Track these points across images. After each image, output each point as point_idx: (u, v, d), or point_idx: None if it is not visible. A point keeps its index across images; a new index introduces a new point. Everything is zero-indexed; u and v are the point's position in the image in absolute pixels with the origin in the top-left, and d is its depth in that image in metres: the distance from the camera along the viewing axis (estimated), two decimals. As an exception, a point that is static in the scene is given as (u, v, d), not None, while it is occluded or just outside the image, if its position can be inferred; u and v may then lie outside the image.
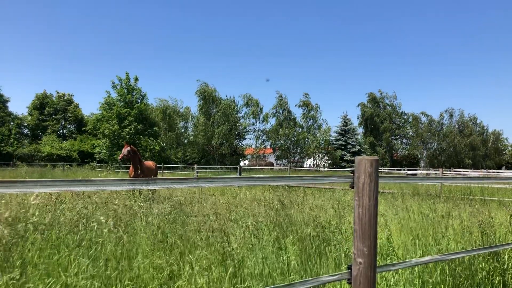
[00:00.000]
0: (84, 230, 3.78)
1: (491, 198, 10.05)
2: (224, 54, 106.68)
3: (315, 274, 3.49)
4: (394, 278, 3.57)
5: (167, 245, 3.86)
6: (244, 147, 55.07)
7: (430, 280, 3.52)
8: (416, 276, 3.58)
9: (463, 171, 37.57)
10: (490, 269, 3.73)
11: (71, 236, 3.73)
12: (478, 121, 64.37)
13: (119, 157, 10.11)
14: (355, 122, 61.23)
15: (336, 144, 55.55)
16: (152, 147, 40.45)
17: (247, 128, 53.27)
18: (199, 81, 50.41)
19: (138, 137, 39.41)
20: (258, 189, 11.11)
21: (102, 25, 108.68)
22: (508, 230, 4.74)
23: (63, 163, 37.01)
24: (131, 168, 9.92)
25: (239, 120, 52.47)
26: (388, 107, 61.50)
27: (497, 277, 3.69)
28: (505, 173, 36.25)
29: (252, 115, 51.72)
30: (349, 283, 2.38)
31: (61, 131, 56.40)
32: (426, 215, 5.60)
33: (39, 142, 49.49)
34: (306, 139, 51.50)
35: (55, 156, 44.83)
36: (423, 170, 46.76)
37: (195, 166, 22.05)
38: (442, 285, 3.48)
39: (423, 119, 62.00)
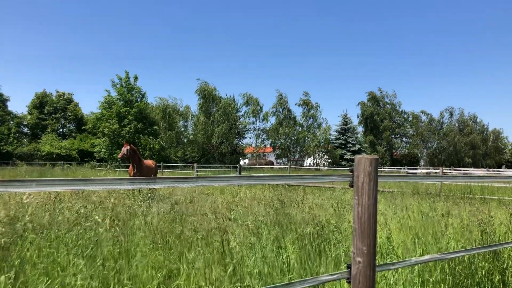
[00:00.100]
0: (83, 230, 3.77)
1: (491, 197, 10.05)
2: (224, 53, 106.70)
3: (314, 273, 3.48)
4: (394, 277, 3.56)
5: (166, 244, 3.86)
6: (244, 146, 55.10)
7: (430, 279, 3.51)
8: (416, 275, 3.57)
9: (463, 170, 37.60)
10: (490, 268, 3.73)
11: (70, 235, 3.73)
12: (478, 120, 64.52)
13: (119, 156, 10.10)
14: (355, 121, 61.33)
15: (336, 143, 55.54)
16: (151, 146, 40.46)
17: (247, 127, 53.33)
18: (199, 80, 50.46)
19: (137, 136, 39.42)
20: (258, 188, 11.10)
21: (102, 24, 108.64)
22: (508, 229, 4.75)
23: (62, 162, 36.99)
24: (130, 167, 9.91)
25: (239, 119, 52.48)
26: (388, 105, 61.51)
27: (497, 276, 3.69)
28: (505, 171, 36.27)
29: (252, 114, 51.75)
30: (349, 282, 2.37)
31: (61, 130, 56.36)
32: (426, 214, 5.60)
33: (39, 141, 49.47)
34: (306, 138, 51.51)
35: (54, 155, 44.81)
36: (423, 169, 46.79)
37: (195, 165, 22.06)
38: (442, 284, 3.48)
39: (423, 117, 62.12)
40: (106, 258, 3.25)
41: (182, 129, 53.24)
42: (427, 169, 45.45)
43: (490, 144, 63.90)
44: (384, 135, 59.87)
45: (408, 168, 41.56)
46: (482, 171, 35.42)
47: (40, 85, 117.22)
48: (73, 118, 56.22)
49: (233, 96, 52.69)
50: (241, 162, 56.69)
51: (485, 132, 64.51)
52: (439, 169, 15.24)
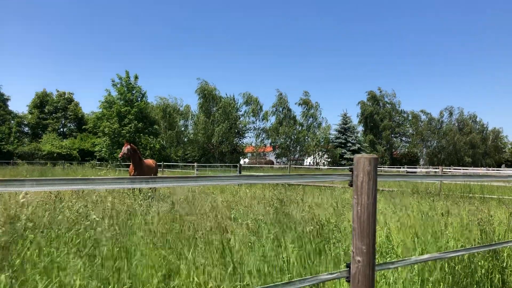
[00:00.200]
0: (84, 229, 3.78)
1: (490, 196, 10.06)
2: (224, 53, 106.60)
3: (314, 272, 3.49)
4: (393, 276, 3.57)
5: (166, 243, 3.87)
6: (244, 145, 55.09)
7: (430, 278, 3.52)
8: (416, 274, 3.58)
9: (463, 169, 37.58)
10: (490, 267, 3.73)
11: (69, 235, 3.73)
12: (477, 119, 64.48)
13: (119, 156, 10.10)
14: (355, 120, 61.26)
15: (336, 142, 55.52)
16: (152, 145, 40.47)
17: (247, 126, 53.31)
18: (199, 79, 50.43)
19: (138, 136, 39.43)
20: (258, 187, 11.11)
21: (102, 23, 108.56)
22: (508, 228, 4.75)
23: (63, 161, 37.02)
24: (131, 166, 9.92)
25: (239, 118, 52.47)
26: (387, 105, 61.47)
27: (497, 275, 3.70)
28: (505, 171, 36.26)
29: (252, 113, 51.73)
30: (348, 281, 2.38)
31: (62, 129, 56.37)
32: (426, 213, 5.60)
33: (40, 140, 49.48)
34: (306, 137, 51.50)
35: (55, 155, 44.83)
36: (422, 168, 46.78)
37: (195, 164, 22.07)
38: (441, 283, 3.49)
39: (423, 117, 62.10)
40: (105, 258, 3.26)
41: (182, 129, 53.24)
42: (427, 168, 45.43)
43: (489, 143, 63.89)
44: (383, 134, 59.84)
45: (407, 167, 41.57)
46: (481, 170, 35.41)
47: (41, 85, 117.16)
48: (73, 117, 56.22)
49: (233, 96, 52.74)
50: (241, 162, 56.69)
51: (484, 132, 64.49)
52: (438, 168, 15.25)
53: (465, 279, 3.56)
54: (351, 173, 2.40)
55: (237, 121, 51.59)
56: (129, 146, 9.66)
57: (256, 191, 9.72)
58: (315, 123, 52.55)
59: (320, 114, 52.92)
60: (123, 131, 38.37)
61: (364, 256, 2.29)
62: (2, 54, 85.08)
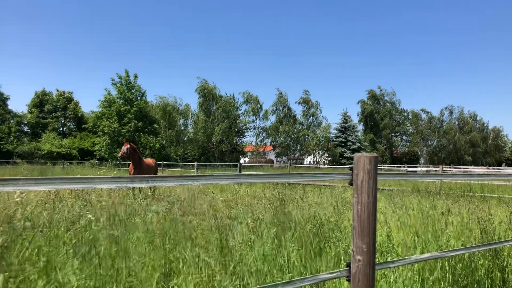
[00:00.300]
0: (83, 228, 3.77)
1: (491, 195, 10.05)
2: (224, 52, 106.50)
3: (314, 271, 3.49)
4: (394, 275, 3.57)
5: (165, 243, 3.86)
6: (244, 144, 55.08)
7: (430, 277, 3.51)
8: (416, 273, 3.58)
9: (463, 168, 37.59)
10: (490, 266, 3.73)
11: (67, 235, 3.73)
12: (478, 118, 64.48)
13: (119, 155, 10.10)
14: (355, 119, 61.23)
15: (336, 141, 55.51)
16: (152, 144, 40.46)
17: (247, 126, 53.28)
18: (199, 78, 50.41)
19: (138, 135, 39.43)
20: (258, 186, 11.11)
21: (102, 23, 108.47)
22: (508, 227, 4.74)
23: (63, 160, 37.03)
24: (131, 165, 9.92)
25: (239, 117, 52.45)
26: (388, 104, 61.44)
27: (497, 274, 3.69)
28: (505, 169, 36.26)
29: (252, 112, 51.73)
30: (348, 280, 2.37)
31: (61, 128, 56.37)
32: (426, 212, 5.60)
33: (39, 140, 49.49)
34: (306, 136, 51.50)
35: (55, 154, 44.84)
36: (423, 167, 46.79)
37: (195, 163, 22.06)
38: (442, 282, 3.48)
39: (423, 116, 62.10)
40: (102, 257, 3.24)
41: (182, 128, 53.23)
42: (427, 167, 45.45)
43: (490, 142, 63.89)
44: (384, 133, 59.83)
45: (408, 166, 41.55)
46: (482, 169, 35.42)
47: (40, 85, 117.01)
48: (73, 116, 56.21)
49: (233, 95, 52.70)
50: (241, 161, 56.69)
51: (485, 130, 64.47)
52: (439, 167, 15.25)
53: (465, 278, 3.55)
54: (351, 172, 2.39)
55: (237, 120, 51.57)
56: (128, 145, 9.65)
57: (256, 191, 9.71)
58: (315, 122, 52.58)
59: (320, 113, 52.95)
60: (122, 130, 38.38)
61: (364, 255, 2.28)
62: (2, 54, 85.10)
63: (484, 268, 3.70)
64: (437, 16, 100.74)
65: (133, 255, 3.37)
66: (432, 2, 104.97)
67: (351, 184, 2.38)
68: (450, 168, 35.29)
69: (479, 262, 3.74)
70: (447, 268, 3.58)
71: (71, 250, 3.32)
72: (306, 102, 52.55)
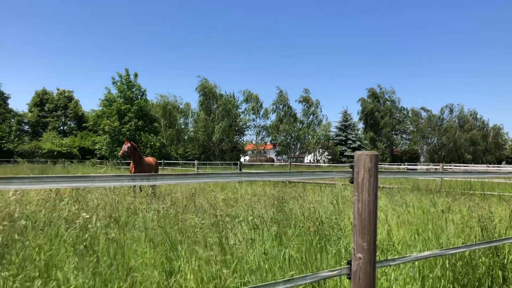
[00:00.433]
0: (83, 227, 3.77)
1: (491, 193, 10.05)
2: (224, 52, 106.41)
3: (315, 269, 3.49)
4: (394, 272, 3.57)
5: (166, 241, 3.86)
6: (244, 143, 55.07)
7: (430, 275, 3.52)
8: (416, 271, 3.58)
9: (464, 166, 37.56)
10: (491, 263, 3.73)
11: (68, 233, 3.73)
12: (478, 116, 64.40)
13: (120, 154, 10.10)
14: (355, 117, 61.25)
15: (336, 139, 55.49)
16: (152, 143, 40.42)
17: (247, 124, 53.26)
18: (200, 77, 50.47)
19: (138, 134, 39.39)
20: (259, 184, 11.11)
21: (102, 22, 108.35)
22: (509, 225, 4.74)
23: (63, 159, 37.04)
24: (131, 164, 9.92)
25: (239, 116, 52.43)
26: (388, 102, 61.38)
27: (498, 272, 3.69)
28: (505, 167, 36.24)
29: (252, 111, 51.74)
30: (349, 278, 2.38)
31: (62, 127, 56.34)
32: (427, 210, 5.60)
33: (40, 138, 49.47)
34: (307, 135, 51.48)
35: (55, 153, 44.83)
36: (423, 165, 46.75)
37: (196, 162, 22.07)
38: (442, 280, 3.48)
39: (423, 114, 62.03)
40: (101, 255, 3.24)
41: (183, 127, 53.19)
42: (427, 165, 45.41)
43: (490, 140, 63.80)
44: (384, 131, 59.79)
45: (408, 165, 41.53)
46: (482, 167, 35.41)
47: (41, 84, 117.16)
48: (73, 115, 56.16)
49: (233, 93, 52.68)
50: (242, 159, 56.69)
51: (485, 128, 64.38)
52: (439, 165, 15.24)
53: (466, 276, 3.55)
54: (351, 170, 2.39)
55: (237, 119, 51.56)
56: (129, 144, 9.65)
57: (256, 189, 9.72)
58: (315, 121, 52.54)
59: (321, 111, 52.92)
60: (123, 129, 38.33)
61: (365, 253, 2.28)
62: (2, 53, 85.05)
63: (485, 266, 3.70)
64: (437, 15, 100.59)
65: (133, 254, 3.38)
66: (433, 1, 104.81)
67: (352, 182, 2.38)
68: (450, 166, 35.25)
69: (480, 260, 3.74)
70: (447, 265, 3.58)
71: (71, 249, 3.32)
72: (306, 100, 52.50)
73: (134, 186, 7.62)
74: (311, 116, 52.56)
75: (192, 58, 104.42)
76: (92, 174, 2.02)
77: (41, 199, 4.90)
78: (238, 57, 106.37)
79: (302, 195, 7.37)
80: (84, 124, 52.88)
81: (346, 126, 56.41)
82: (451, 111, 62.17)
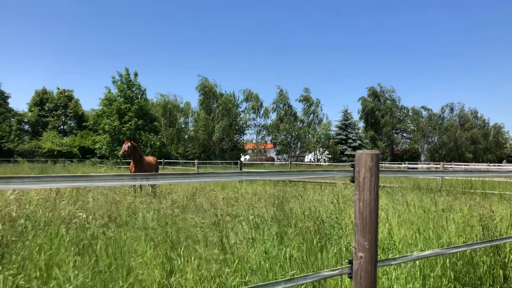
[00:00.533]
0: (84, 227, 3.77)
1: (492, 192, 10.03)
2: (225, 51, 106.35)
3: (316, 268, 3.48)
4: (395, 271, 3.56)
5: (166, 240, 3.86)
6: (244, 142, 55.06)
7: (431, 274, 3.51)
8: (417, 270, 3.57)
9: (464, 165, 37.54)
10: (492, 262, 3.72)
11: (67, 233, 3.72)
12: (479, 115, 64.37)
13: (120, 153, 10.09)
14: (355, 116, 61.21)
15: (336, 138, 55.47)
16: (152, 142, 40.42)
17: (247, 123, 53.24)
18: (200, 76, 50.47)
19: (138, 133, 39.39)
20: (259, 184, 11.10)
21: (102, 22, 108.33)
22: (510, 224, 4.73)
23: (64, 159, 37.08)
24: (131, 163, 9.91)
25: (240, 115, 52.41)
26: (388, 101, 61.34)
27: (499, 271, 3.69)
28: (506, 166, 36.22)
29: (252, 110, 51.72)
30: (350, 277, 2.37)
31: (62, 127, 56.35)
32: (427, 209, 5.59)
33: (40, 138, 49.48)
34: (307, 134, 51.46)
35: (55, 152, 44.85)
36: (424, 164, 46.73)
37: (196, 161, 22.08)
38: (443, 279, 3.48)
39: (424, 113, 62.01)
40: (100, 255, 3.24)
41: (183, 126, 53.17)
42: (428, 164, 45.38)
43: (491, 139, 63.74)
44: (384, 130, 59.76)
45: (409, 163, 41.52)
46: (483, 166, 35.38)
47: (41, 84, 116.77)
48: (73, 115, 56.16)
49: (233, 92, 52.68)
50: (242, 159, 56.69)
51: (486, 127, 64.33)
52: (440, 164, 15.23)
53: (467, 275, 3.55)
54: (352, 169, 2.39)
55: (237, 118, 51.54)
56: (129, 144, 9.64)
57: (257, 188, 9.71)
58: (315, 120, 52.52)
59: (321, 110, 52.96)
60: (123, 129, 38.33)
61: (366, 252, 2.28)
62: (2, 52, 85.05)
63: (486, 265, 3.69)
64: (438, 14, 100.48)
65: (134, 253, 3.37)
66: (433, 1, 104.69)
67: (352, 181, 2.37)
68: (451, 165, 35.22)
69: (481, 259, 3.74)
70: (448, 264, 3.58)
71: (71, 248, 3.32)
72: (306, 99, 52.47)
73: (134, 185, 7.61)
74: (312, 115, 52.56)
75: (192, 58, 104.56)
76: (93, 174, 2.01)
77: (41, 199, 4.89)
78: (238, 56, 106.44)
79: (303, 194, 7.35)
80: (84, 124, 52.90)
81: (346, 125, 56.38)
82: (452, 110, 62.18)
